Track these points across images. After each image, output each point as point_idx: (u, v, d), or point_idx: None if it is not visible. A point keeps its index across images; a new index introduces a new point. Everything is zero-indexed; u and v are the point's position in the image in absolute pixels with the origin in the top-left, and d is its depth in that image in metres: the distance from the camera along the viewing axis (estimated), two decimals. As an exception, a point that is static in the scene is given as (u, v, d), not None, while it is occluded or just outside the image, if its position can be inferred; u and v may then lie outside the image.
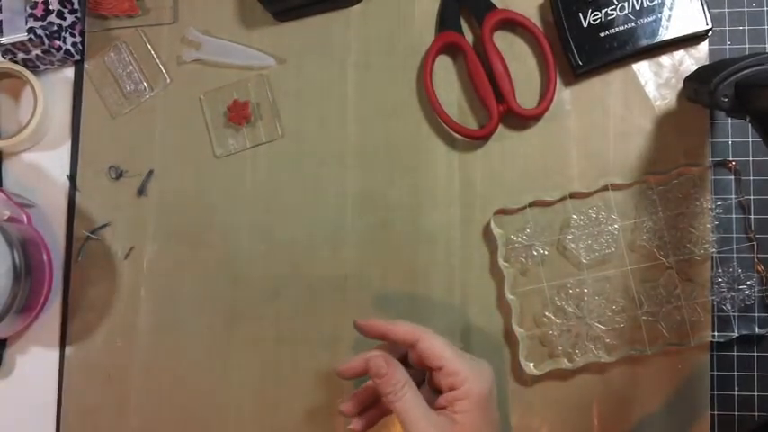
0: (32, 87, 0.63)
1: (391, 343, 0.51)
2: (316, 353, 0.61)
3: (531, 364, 0.59)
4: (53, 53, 0.63)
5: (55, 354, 0.63)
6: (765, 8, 0.60)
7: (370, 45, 0.63)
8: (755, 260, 0.58)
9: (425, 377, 0.53)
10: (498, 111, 0.59)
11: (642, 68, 0.60)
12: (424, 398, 0.47)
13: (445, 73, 0.62)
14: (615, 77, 0.60)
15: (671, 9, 0.57)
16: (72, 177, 0.65)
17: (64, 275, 0.64)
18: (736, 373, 0.58)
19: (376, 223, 0.62)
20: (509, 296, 0.59)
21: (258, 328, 0.62)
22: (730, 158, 0.59)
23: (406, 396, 0.46)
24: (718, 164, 0.59)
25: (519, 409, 0.59)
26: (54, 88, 0.66)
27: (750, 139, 0.59)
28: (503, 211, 0.60)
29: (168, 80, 0.65)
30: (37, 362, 0.63)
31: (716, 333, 0.57)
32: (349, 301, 0.61)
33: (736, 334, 0.57)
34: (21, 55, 0.63)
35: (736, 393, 0.57)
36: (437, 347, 0.48)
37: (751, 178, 0.58)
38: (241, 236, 0.63)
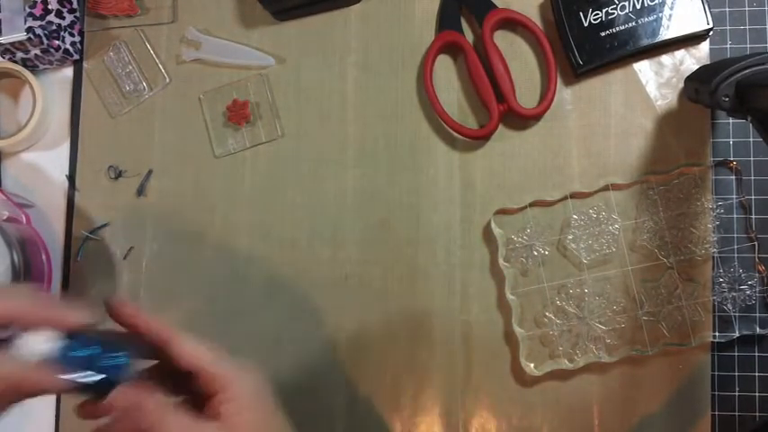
0: (31, 87, 0.63)
1: (142, 336, 0.42)
2: (316, 353, 0.61)
3: (532, 365, 0.59)
4: (52, 53, 0.62)
5: (54, 354, 0.63)
6: (766, 8, 0.60)
7: (370, 45, 0.63)
8: (756, 260, 0.58)
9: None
10: (498, 110, 0.59)
11: (643, 68, 0.60)
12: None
13: (445, 73, 0.62)
14: (616, 77, 0.60)
15: (672, 8, 0.57)
16: (71, 177, 0.65)
17: (63, 275, 0.64)
18: (737, 373, 0.57)
19: (376, 223, 0.62)
20: (509, 296, 0.58)
21: (258, 329, 0.62)
22: (731, 158, 0.59)
23: (174, 418, 0.40)
24: (719, 163, 0.59)
25: (519, 409, 0.59)
26: (53, 88, 0.66)
27: (751, 139, 0.59)
28: (503, 211, 0.60)
29: (168, 80, 0.65)
30: (36, 362, 0.63)
31: (717, 333, 0.57)
32: (349, 301, 0.61)
33: (737, 334, 0.57)
34: (20, 54, 0.62)
35: (736, 394, 0.57)
36: (192, 350, 0.42)
37: (752, 178, 0.58)
38: (241, 236, 0.63)
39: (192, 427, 0.40)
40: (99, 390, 0.39)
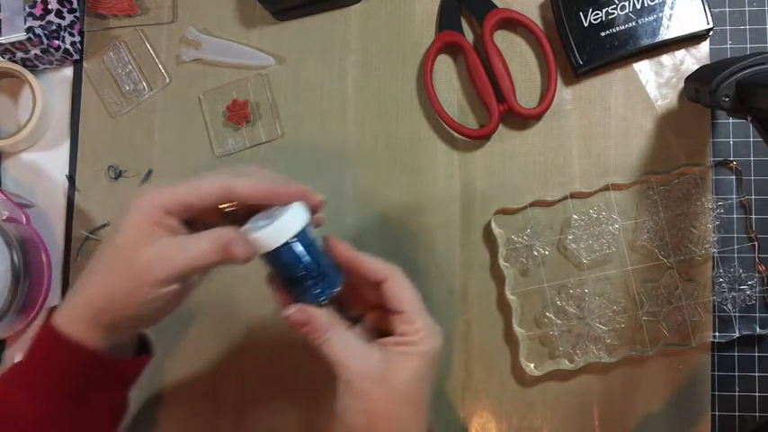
0: (31, 87, 0.63)
1: (355, 276, 0.46)
2: (315, 353, 0.61)
3: (532, 365, 0.59)
4: (52, 52, 0.62)
5: (54, 354, 0.63)
6: (766, 8, 0.60)
7: (370, 45, 0.63)
8: (756, 260, 0.58)
9: (360, 317, 0.49)
10: (499, 110, 0.59)
11: (643, 68, 0.60)
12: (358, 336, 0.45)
13: (445, 72, 0.62)
14: (616, 77, 0.60)
15: (672, 8, 0.57)
16: (71, 177, 0.65)
17: (63, 275, 0.64)
18: (737, 373, 0.57)
19: (375, 223, 0.62)
20: (509, 296, 0.58)
21: (257, 328, 0.62)
22: (731, 158, 0.59)
23: (330, 338, 0.43)
24: (720, 163, 0.59)
25: (520, 409, 0.59)
26: (53, 88, 0.66)
27: (751, 139, 0.59)
28: (503, 211, 0.60)
29: (167, 80, 0.65)
30: (36, 362, 0.63)
31: (717, 333, 0.57)
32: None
33: (737, 334, 0.57)
34: (19, 54, 0.62)
35: (737, 394, 0.57)
36: (405, 291, 0.45)
37: (752, 178, 0.58)
38: (241, 236, 0.63)
39: (355, 348, 0.43)
40: (302, 285, 0.44)
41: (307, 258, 0.43)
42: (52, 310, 0.44)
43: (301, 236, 0.43)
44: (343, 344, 0.43)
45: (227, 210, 0.44)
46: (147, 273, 0.41)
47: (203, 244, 0.41)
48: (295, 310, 0.44)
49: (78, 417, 0.45)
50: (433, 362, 0.44)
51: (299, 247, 0.43)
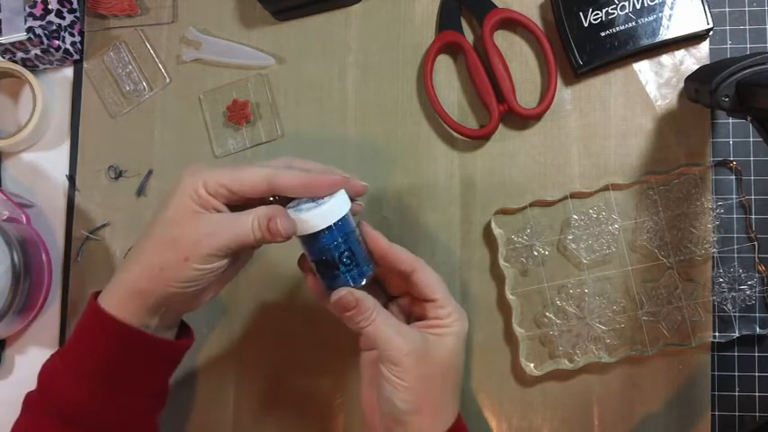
0: (31, 87, 0.63)
1: (385, 265, 0.49)
2: (316, 353, 0.61)
3: (532, 365, 0.59)
4: (52, 53, 0.62)
5: (54, 354, 0.63)
6: (766, 8, 0.60)
7: (370, 45, 0.63)
8: (756, 260, 0.58)
9: (386, 300, 0.52)
10: (499, 110, 0.59)
11: (643, 68, 0.60)
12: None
13: (445, 73, 0.62)
14: (616, 77, 0.60)
15: (672, 8, 0.57)
16: (71, 177, 0.65)
17: (63, 276, 0.64)
18: (737, 373, 0.57)
19: (376, 223, 0.62)
20: (509, 296, 0.58)
21: (257, 328, 0.62)
22: (731, 158, 0.59)
23: (376, 320, 0.45)
24: (719, 163, 0.59)
25: (519, 409, 0.59)
26: (53, 88, 0.66)
27: (751, 139, 0.59)
28: (503, 211, 0.60)
29: (168, 80, 0.65)
30: (36, 362, 0.62)
31: (717, 333, 0.57)
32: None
33: (737, 334, 0.57)
34: (20, 54, 0.62)
35: (737, 394, 0.57)
36: (433, 280, 0.49)
37: (752, 178, 0.58)
38: (241, 236, 0.63)
39: (396, 325, 0.46)
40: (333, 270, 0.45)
41: (345, 245, 0.45)
42: (97, 293, 0.46)
43: (342, 221, 0.44)
44: (389, 324, 0.46)
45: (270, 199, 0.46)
46: (195, 248, 0.42)
47: (248, 220, 0.43)
48: (346, 293, 0.45)
49: (120, 400, 0.46)
50: (464, 340, 0.49)
51: (339, 232, 0.44)
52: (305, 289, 0.62)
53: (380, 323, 0.45)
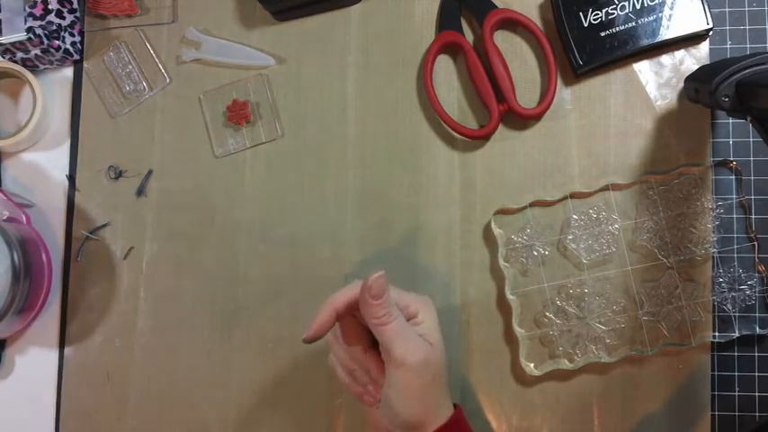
0: (31, 87, 0.63)
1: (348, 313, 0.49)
2: (316, 353, 0.61)
3: (532, 365, 0.59)
4: (52, 53, 0.62)
5: (54, 354, 0.63)
6: (766, 8, 0.60)
7: (370, 45, 0.63)
8: (756, 260, 0.58)
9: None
10: (498, 110, 0.59)
11: (643, 68, 0.60)
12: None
13: (445, 73, 0.62)
14: (616, 77, 0.60)
15: (672, 8, 0.57)
16: (71, 177, 0.65)
17: (63, 275, 0.64)
18: (736, 373, 0.57)
19: (376, 223, 0.62)
20: (509, 296, 0.58)
21: (258, 329, 0.62)
22: (731, 158, 0.59)
23: (399, 317, 0.46)
24: (719, 164, 0.59)
25: (519, 409, 0.59)
26: (53, 88, 0.66)
27: (751, 139, 0.59)
28: (503, 211, 0.60)
29: (168, 80, 0.65)
30: (36, 362, 0.63)
31: (717, 333, 0.57)
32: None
33: (736, 334, 0.57)
34: (20, 54, 0.62)
35: (736, 394, 0.57)
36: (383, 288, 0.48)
37: (752, 178, 0.58)
38: (241, 236, 0.63)
39: (413, 330, 0.47)
40: None
41: None
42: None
43: None
44: (405, 326, 0.47)
45: None
46: None
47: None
48: (381, 274, 0.46)
49: None
50: (438, 323, 0.50)
51: None
52: (305, 290, 0.62)
53: (403, 322, 0.46)
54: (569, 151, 0.60)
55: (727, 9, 0.60)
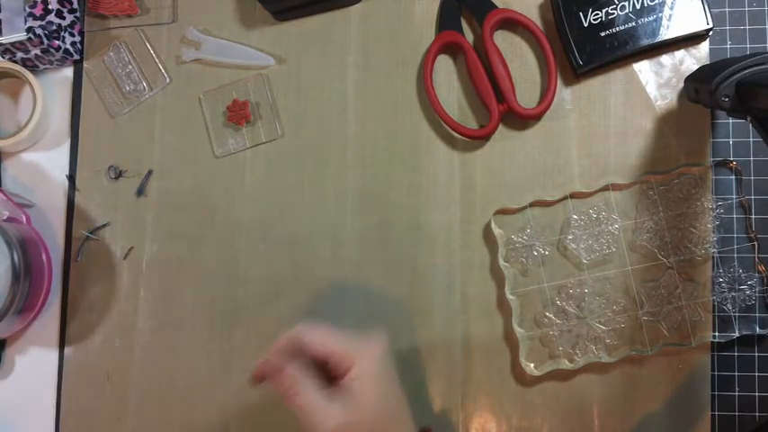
0: (31, 87, 0.63)
1: (291, 357, 0.48)
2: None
3: (532, 365, 0.59)
4: (52, 53, 0.62)
5: (54, 354, 0.63)
6: (766, 8, 0.60)
7: (370, 45, 0.63)
8: (756, 260, 0.58)
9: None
10: (498, 110, 0.59)
11: (643, 68, 0.60)
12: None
13: (445, 73, 0.62)
14: (616, 77, 0.60)
15: (672, 8, 0.57)
16: (71, 177, 0.65)
17: (63, 275, 0.64)
18: (736, 373, 0.57)
19: (376, 223, 0.62)
20: (509, 296, 0.58)
21: (258, 329, 0.62)
22: (731, 158, 0.59)
23: (305, 389, 0.45)
24: (719, 164, 0.59)
25: (519, 409, 0.59)
26: (53, 88, 0.66)
27: (751, 139, 0.59)
28: (503, 211, 0.60)
29: (168, 80, 0.65)
30: (36, 362, 0.63)
31: (717, 333, 0.57)
32: (349, 301, 0.61)
33: (736, 334, 0.57)
34: (20, 54, 0.62)
35: (736, 394, 0.57)
36: (319, 337, 0.47)
37: (752, 178, 0.58)
38: (241, 236, 0.63)
39: (323, 397, 0.45)
40: None
41: None
42: None
43: None
44: (310, 402, 0.45)
45: None
46: None
47: None
48: (267, 360, 0.46)
49: None
50: (379, 372, 0.47)
51: None
52: (305, 290, 0.62)
53: (308, 393, 0.45)
54: (569, 151, 0.60)
55: (727, 9, 0.60)
